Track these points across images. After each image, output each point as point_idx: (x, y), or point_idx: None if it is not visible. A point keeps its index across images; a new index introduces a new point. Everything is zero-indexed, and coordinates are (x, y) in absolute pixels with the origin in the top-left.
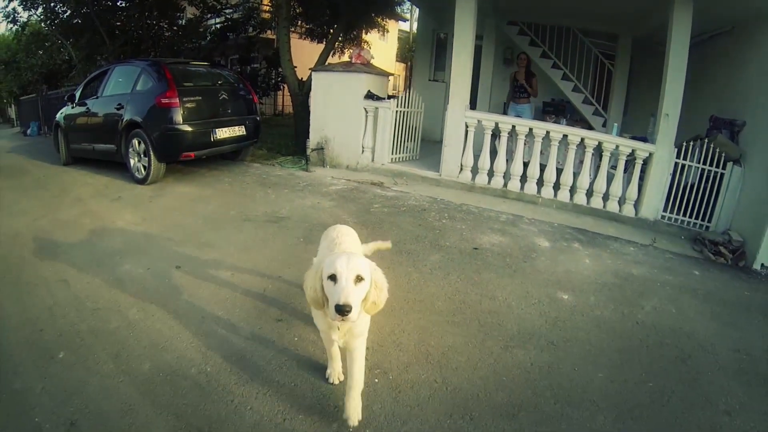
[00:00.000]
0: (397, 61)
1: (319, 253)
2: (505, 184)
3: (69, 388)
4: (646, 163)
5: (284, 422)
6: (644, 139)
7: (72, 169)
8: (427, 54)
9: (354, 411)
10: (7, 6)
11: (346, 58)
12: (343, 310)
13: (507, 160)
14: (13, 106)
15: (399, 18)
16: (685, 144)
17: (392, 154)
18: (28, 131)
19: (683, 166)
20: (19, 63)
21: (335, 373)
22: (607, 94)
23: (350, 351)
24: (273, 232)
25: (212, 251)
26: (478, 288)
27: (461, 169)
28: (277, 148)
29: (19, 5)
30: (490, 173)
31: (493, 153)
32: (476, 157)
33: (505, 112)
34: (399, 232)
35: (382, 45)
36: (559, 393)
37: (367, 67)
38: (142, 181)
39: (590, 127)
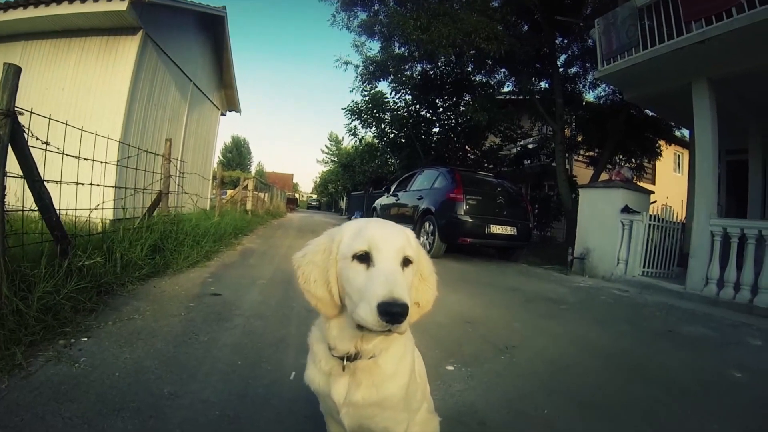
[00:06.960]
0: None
1: None
2: (752, 300)
3: None
4: None
5: None
6: None
7: None
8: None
9: None
10: (350, 123)
11: None
12: (392, 312)
13: (756, 273)
14: (344, 198)
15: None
16: None
17: (643, 267)
18: (353, 217)
19: None
20: (354, 167)
21: None
22: None
23: None
24: (501, 294)
25: (454, 294)
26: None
27: (706, 282)
28: (549, 259)
29: (359, 124)
30: (736, 286)
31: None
32: (722, 268)
33: None
34: (597, 314)
35: (678, 177)
36: None
37: (626, 184)
38: None
39: None
